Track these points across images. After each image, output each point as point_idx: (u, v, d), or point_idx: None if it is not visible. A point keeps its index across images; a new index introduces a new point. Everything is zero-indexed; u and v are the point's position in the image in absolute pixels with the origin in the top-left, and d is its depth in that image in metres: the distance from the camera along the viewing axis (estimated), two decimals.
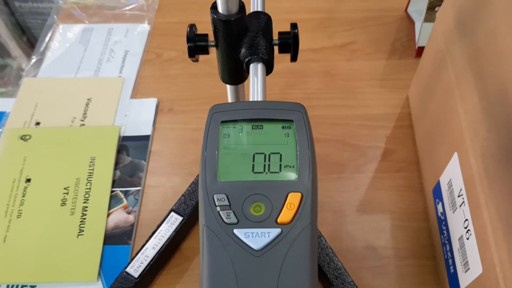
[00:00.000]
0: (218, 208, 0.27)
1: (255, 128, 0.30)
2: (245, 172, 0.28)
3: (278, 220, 0.26)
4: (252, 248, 0.25)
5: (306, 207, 0.27)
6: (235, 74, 0.37)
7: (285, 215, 0.26)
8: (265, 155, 0.29)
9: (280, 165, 0.28)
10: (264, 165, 0.28)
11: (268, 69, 0.35)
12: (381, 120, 0.55)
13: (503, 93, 0.34)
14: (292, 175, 0.28)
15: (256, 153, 0.29)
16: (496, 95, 0.35)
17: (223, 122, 0.30)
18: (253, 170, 0.28)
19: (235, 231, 0.26)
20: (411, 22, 0.63)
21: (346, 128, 0.55)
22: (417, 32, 0.60)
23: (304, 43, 0.62)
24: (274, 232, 0.26)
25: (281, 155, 0.29)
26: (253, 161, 0.28)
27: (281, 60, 0.61)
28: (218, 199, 0.27)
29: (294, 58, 0.36)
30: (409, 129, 0.54)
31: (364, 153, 0.53)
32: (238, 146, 0.29)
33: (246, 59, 0.34)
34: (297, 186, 0.27)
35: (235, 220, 0.26)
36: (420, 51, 0.58)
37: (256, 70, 0.34)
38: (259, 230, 0.26)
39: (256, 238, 0.26)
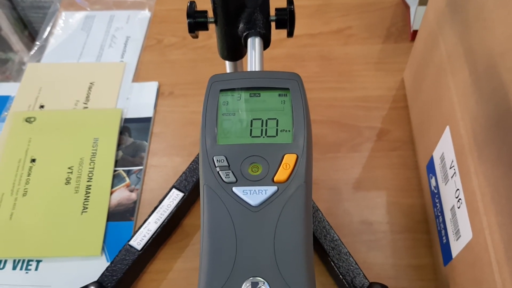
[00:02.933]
0: (217, 169, 0.28)
1: (252, 96, 0.31)
2: (243, 136, 0.30)
3: (275, 179, 0.28)
4: (250, 204, 0.27)
5: (301, 167, 0.28)
6: (233, 50, 0.39)
7: (281, 174, 0.28)
8: (262, 121, 0.30)
9: (277, 129, 0.30)
10: (261, 129, 0.30)
11: (265, 43, 0.36)
12: (376, 101, 0.57)
13: (490, 65, 0.36)
14: (288, 139, 0.29)
15: (254, 119, 0.30)
16: (484, 68, 0.36)
17: (222, 90, 0.31)
18: (251, 135, 0.30)
19: (234, 189, 0.27)
20: (406, 7, 0.64)
21: (342, 109, 0.56)
22: (412, 16, 0.61)
23: (301, 28, 0.63)
24: (271, 189, 0.27)
25: (277, 121, 0.30)
26: (251, 126, 0.30)
27: (279, 45, 0.63)
28: (217, 160, 0.28)
29: (290, 34, 0.38)
30: (404, 110, 0.56)
31: (360, 133, 0.54)
32: (236, 112, 0.30)
33: (244, 34, 0.36)
34: (292, 148, 0.29)
35: (234, 179, 0.28)
36: (415, 34, 0.60)
37: (253, 44, 0.35)
38: (257, 188, 0.27)
39: (253, 195, 0.27)
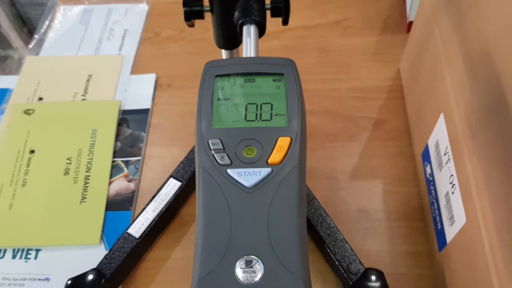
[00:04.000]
0: (212, 152, 0.28)
1: (247, 81, 0.32)
2: (238, 120, 0.30)
3: (269, 161, 0.28)
4: (244, 186, 0.27)
5: (295, 149, 0.28)
6: (229, 38, 0.39)
7: (275, 157, 0.28)
8: (257, 105, 0.30)
9: (271, 114, 0.30)
10: (256, 114, 0.30)
11: (261, 31, 0.37)
12: (373, 92, 0.57)
13: (484, 53, 0.36)
14: (282, 122, 0.30)
15: (249, 104, 0.31)
16: (478, 55, 0.37)
17: (217, 76, 0.31)
18: (245, 119, 0.30)
19: (229, 171, 0.28)
20: None
21: (339, 100, 0.57)
22: (408, 8, 0.61)
23: (298, 20, 0.64)
24: (265, 171, 0.28)
25: (272, 105, 0.30)
26: (246, 110, 0.30)
27: (277, 37, 0.63)
28: (212, 143, 0.29)
29: (285, 22, 0.38)
30: (400, 100, 0.56)
31: (356, 123, 0.54)
32: (231, 97, 0.31)
33: (240, 21, 0.36)
34: (286, 132, 0.29)
35: (228, 162, 0.28)
36: (411, 25, 0.60)
37: (249, 31, 0.36)
38: (251, 170, 0.28)
39: (248, 176, 0.27)
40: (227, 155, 0.28)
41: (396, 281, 0.44)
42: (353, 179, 0.50)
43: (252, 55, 0.35)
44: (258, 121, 0.30)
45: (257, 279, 0.25)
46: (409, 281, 0.44)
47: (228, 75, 0.32)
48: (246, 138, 0.29)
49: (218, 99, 0.31)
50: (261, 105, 0.30)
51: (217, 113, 0.30)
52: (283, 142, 0.29)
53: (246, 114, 0.30)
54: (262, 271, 0.25)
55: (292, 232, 0.26)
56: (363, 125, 0.54)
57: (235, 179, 0.27)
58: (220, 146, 0.29)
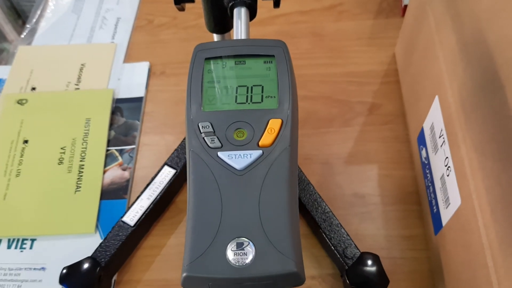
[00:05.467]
0: (203, 135, 0.28)
1: (238, 63, 0.31)
2: (228, 102, 0.30)
3: (260, 143, 0.28)
4: (235, 168, 0.27)
5: (286, 131, 0.28)
6: (220, 22, 0.38)
7: (266, 139, 0.28)
8: (247, 88, 0.30)
9: (262, 96, 0.30)
10: (247, 96, 0.30)
11: (252, 13, 0.36)
12: (368, 76, 0.56)
13: (477, 31, 0.35)
14: (273, 104, 0.29)
15: (239, 86, 0.30)
16: (471, 34, 0.36)
17: (207, 59, 0.31)
18: (236, 101, 0.30)
19: (219, 153, 0.28)
20: None
21: (334, 85, 0.56)
22: None
23: (293, 5, 0.63)
24: (256, 153, 0.27)
25: (263, 87, 0.30)
26: (236, 93, 0.30)
27: (270, 23, 0.62)
28: (202, 126, 0.28)
29: (276, 4, 0.38)
30: (395, 85, 0.56)
31: (351, 108, 0.54)
32: (221, 80, 0.30)
33: (230, 4, 0.36)
34: (278, 114, 0.29)
35: (219, 145, 0.28)
36: (406, 9, 0.59)
37: (239, 14, 0.35)
38: (242, 152, 0.27)
39: (238, 159, 0.27)
40: (218, 138, 0.28)
41: (392, 265, 0.43)
42: (348, 164, 0.50)
43: (243, 37, 0.34)
44: (248, 103, 0.30)
45: (248, 261, 0.24)
46: (405, 265, 0.44)
47: (218, 57, 0.31)
48: (236, 121, 0.29)
49: (208, 82, 0.30)
50: (251, 87, 0.30)
51: (207, 96, 0.30)
52: (274, 124, 0.28)
53: (236, 97, 0.30)
54: (254, 253, 0.25)
55: (283, 214, 0.26)
56: (358, 110, 0.54)
57: (225, 162, 0.27)
58: (211, 129, 0.28)
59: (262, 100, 0.29)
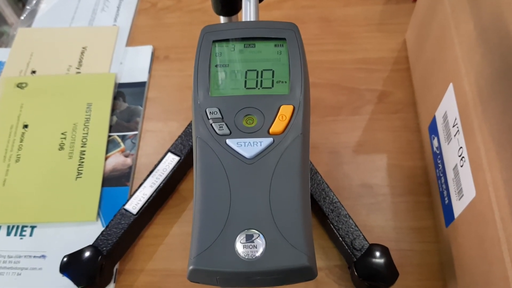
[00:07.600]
0: (210, 121, 0.27)
1: (247, 46, 0.30)
2: (237, 88, 0.28)
3: (270, 131, 0.26)
4: (244, 157, 0.26)
5: (298, 118, 0.27)
6: (228, 3, 0.37)
7: (277, 126, 0.27)
8: (257, 72, 0.29)
9: (273, 81, 0.28)
10: (257, 81, 0.28)
11: None
12: (378, 63, 0.55)
13: (496, 16, 0.34)
14: (284, 90, 0.28)
15: (249, 70, 0.29)
16: (490, 19, 0.35)
17: (215, 41, 0.30)
18: (245, 86, 0.28)
19: (228, 141, 0.26)
20: None
21: (343, 72, 0.55)
22: None
23: None
24: (266, 141, 0.26)
25: (273, 72, 0.29)
26: (245, 77, 0.29)
27: (278, 7, 0.61)
28: (210, 112, 0.27)
29: None
30: (406, 72, 0.54)
31: (360, 96, 0.53)
32: (230, 64, 0.29)
33: None
34: (289, 100, 0.27)
35: (227, 132, 0.27)
36: None
37: None
38: (251, 140, 0.26)
39: (248, 147, 0.26)
40: (226, 124, 0.27)
41: (401, 257, 0.42)
42: (356, 153, 0.49)
43: (253, 19, 0.33)
44: (258, 88, 0.28)
45: (258, 254, 0.23)
46: (414, 257, 0.43)
47: (227, 40, 0.30)
48: (246, 107, 0.27)
49: (216, 66, 0.29)
50: (261, 72, 0.29)
51: (215, 80, 0.28)
52: (285, 111, 0.27)
53: (246, 81, 0.28)
54: (264, 246, 0.23)
55: (295, 205, 0.24)
56: (367, 97, 0.52)
57: (234, 150, 0.26)
58: (219, 115, 0.27)
59: (272, 85, 0.28)
